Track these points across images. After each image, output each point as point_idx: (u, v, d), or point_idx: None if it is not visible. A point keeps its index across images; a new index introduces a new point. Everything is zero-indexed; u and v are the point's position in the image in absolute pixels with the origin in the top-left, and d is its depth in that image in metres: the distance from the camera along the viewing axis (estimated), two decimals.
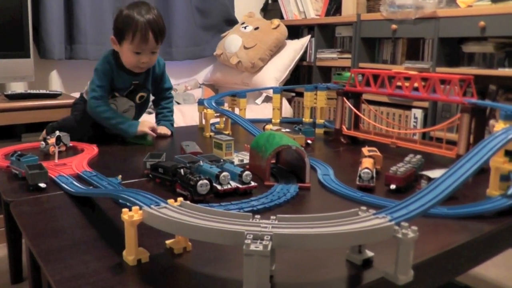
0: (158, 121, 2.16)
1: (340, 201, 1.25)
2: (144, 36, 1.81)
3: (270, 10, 4.09)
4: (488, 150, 1.06)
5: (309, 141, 1.90)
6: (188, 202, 0.87)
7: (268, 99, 3.45)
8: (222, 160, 1.43)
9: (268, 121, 2.33)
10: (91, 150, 1.71)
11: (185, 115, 3.00)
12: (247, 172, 1.29)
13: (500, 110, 1.35)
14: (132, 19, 1.82)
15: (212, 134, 2.02)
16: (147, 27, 1.81)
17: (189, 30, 3.74)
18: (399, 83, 1.79)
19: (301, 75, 3.94)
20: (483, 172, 1.44)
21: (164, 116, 2.18)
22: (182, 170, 1.24)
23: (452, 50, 2.83)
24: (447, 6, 2.74)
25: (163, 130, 2.08)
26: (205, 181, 1.18)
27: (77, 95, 2.84)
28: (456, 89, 1.63)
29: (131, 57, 1.86)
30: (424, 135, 2.82)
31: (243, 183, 1.28)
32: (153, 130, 1.96)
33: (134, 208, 0.85)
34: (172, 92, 2.24)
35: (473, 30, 2.54)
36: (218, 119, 2.19)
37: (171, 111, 2.22)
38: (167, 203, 0.87)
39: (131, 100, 2.04)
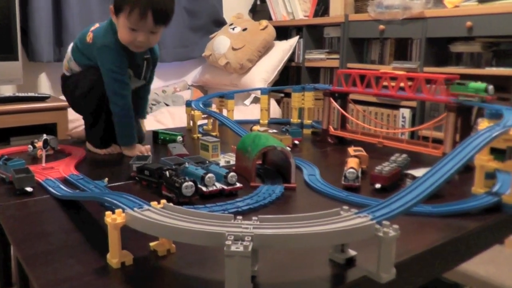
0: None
1: (325, 201, 1.25)
2: (142, 14, 1.57)
3: (259, 11, 4.10)
4: (471, 148, 1.07)
5: (296, 142, 1.90)
6: (171, 204, 0.87)
7: (256, 100, 3.45)
8: (207, 162, 1.43)
9: (256, 122, 2.34)
10: (79, 153, 1.70)
11: (174, 116, 3.00)
12: (232, 174, 1.29)
13: (485, 109, 1.37)
14: None
15: (199, 135, 2.02)
16: (148, 5, 1.56)
17: (177, 31, 3.74)
18: (385, 83, 1.80)
19: (289, 76, 3.94)
20: (468, 170, 1.45)
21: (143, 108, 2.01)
22: (167, 172, 1.24)
23: (439, 50, 2.85)
24: (434, 7, 2.76)
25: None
26: (190, 183, 1.18)
27: None
28: (442, 89, 1.64)
29: (126, 33, 1.62)
30: (412, 135, 2.83)
31: (228, 184, 1.28)
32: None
33: (117, 211, 0.85)
34: (161, 93, 2.20)
35: (460, 30, 2.56)
36: (206, 121, 2.19)
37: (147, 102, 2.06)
38: (150, 206, 0.87)
39: (141, 79, 1.85)
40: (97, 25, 1.76)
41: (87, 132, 1.84)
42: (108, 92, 1.69)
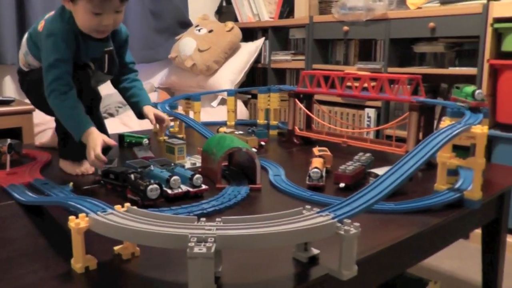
0: (134, 101, 1.75)
1: (290, 201, 1.26)
2: None
3: (224, 12, 4.10)
4: (432, 146, 1.09)
5: (262, 143, 1.91)
6: (134, 207, 0.87)
7: (224, 102, 3.45)
8: (173, 164, 1.43)
9: (223, 124, 2.34)
10: (44, 158, 1.68)
11: None
12: (197, 176, 1.29)
13: (447, 108, 1.40)
14: None
15: (166, 138, 2.02)
16: None
17: (143, 33, 3.72)
18: (349, 84, 1.82)
19: (256, 77, 3.95)
20: (431, 167, 1.48)
21: (139, 90, 1.76)
22: (132, 176, 1.24)
23: (403, 51, 2.89)
24: (397, 8, 2.80)
25: (153, 113, 1.70)
26: (155, 185, 1.18)
27: None
28: (405, 88, 1.67)
29: (89, 19, 1.42)
30: (377, 134, 2.87)
31: (194, 186, 1.28)
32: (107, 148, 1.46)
33: (81, 215, 0.85)
34: None
35: (423, 31, 2.60)
36: (172, 123, 2.18)
37: (143, 88, 1.81)
38: (113, 209, 0.87)
39: (106, 73, 1.63)
40: (52, 12, 1.56)
41: (59, 144, 1.63)
42: (46, 91, 1.45)
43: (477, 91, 1.43)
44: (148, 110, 1.71)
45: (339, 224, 0.80)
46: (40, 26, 1.53)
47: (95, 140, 1.37)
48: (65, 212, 1.15)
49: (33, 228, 1.09)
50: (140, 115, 1.74)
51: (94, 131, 1.41)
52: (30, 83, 1.65)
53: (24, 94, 1.79)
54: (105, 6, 1.40)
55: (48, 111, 1.61)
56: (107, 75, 1.65)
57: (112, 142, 1.41)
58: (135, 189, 1.21)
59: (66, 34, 1.45)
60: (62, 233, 1.05)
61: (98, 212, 0.85)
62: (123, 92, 1.77)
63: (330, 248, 0.89)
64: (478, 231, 1.59)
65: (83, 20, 1.43)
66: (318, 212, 0.84)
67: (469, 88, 1.47)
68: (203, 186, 1.30)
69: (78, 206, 0.91)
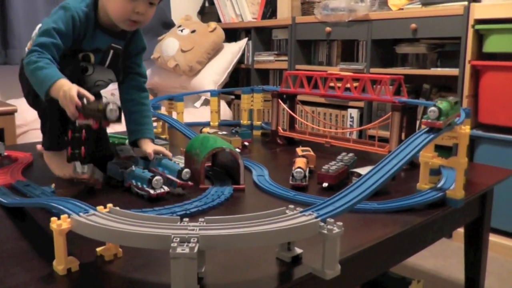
0: (134, 129, 1.54)
1: (273, 201, 1.26)
2: None
3: (207, 13, 4.09)
4: (414, 146, 1.10)
5: (246, 143, 1.91)
6: (117, 208, 0.86)
7: (207, 102, 3.45)
8: (161, 155, 1.42)
9: (207, 124, 2.33)
10: (25, 159, 1.66)
11: (123, 120, 2.96)
12: (186, 170, 1.30)
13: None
14: None
15: None
16: None
17: None
18: (332, 84, 1.83)
19: (239, 78, 3.95)
20: (414, 167, 1.49)
21: (145, 118, 1.56)
22: (84, 99, 1.18)
23: (385, 51, 2.91)
24: (379, 9, 2.82)
25: (154, 150, 1.46)
26: (115, 105, 1.14)
27: (14, 102, 2.75)
28: (387, 89, 1.68)
29: (123, 4, 1.34)
30: (360, 134, 2.88)
31: (181, 179, 1.29)
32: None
33: (63, 216, 0.84)
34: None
35: (405, 32, 2.62)
36: (155, 124, 2.17)
37: (149, 115, 1.59)
38: (96, 210, 0.86)
39: (106, 67, 1.51)
40: None
41: (46, 139, 1.50)
42: (28, 52, 1.31)
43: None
44: (147, 145, 1.49)
45: (322, 224, 0.80)
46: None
47: (70, 88, 1.20)
48: (46, 214, 1.14)
49: (15, 230, 1.07)
50: (134, 143, 1.54)
51: (66, 82, 1.23)
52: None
53: (6, 95, 1.73)
54: None
55: (37, 105, 1.49)
56: (106, 71, 1.51)
57: (90, 96, 1.20)
58: (90, 112, 1.16)
59: (80, 15, 1.36)
60: (44, 235, 1.04)
61: (80, 213, 0.84)
62: (125, 108, 1.56)
63: (313, 247, 0.89)
64: (460, 230, 1.61)
65: (116, 5, 1.35)
66: (301, 212, 0.84)
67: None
68: (190, 183, 1.30)
69: (60, 207, 0.90)
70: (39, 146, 1.80)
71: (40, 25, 1.46)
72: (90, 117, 1.17)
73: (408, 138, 1.14)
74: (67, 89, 1.19)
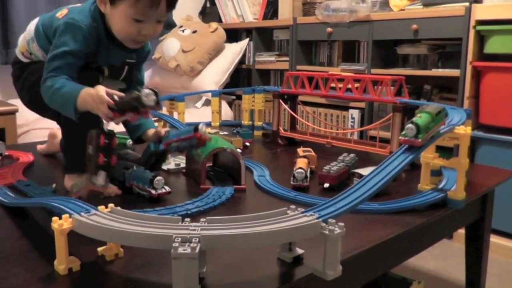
0: (136, 126, 1.51)
1: (275, 201, 1.26)
2: (155, 0, 1.24)
3: (208, 13, 4.09)
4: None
5: (247, 143, 1.91)
6: (118, 208, 0.86)
7: (208, 103, 3.45)
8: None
9: (208, 125, 2.33)
10: (26, 159, 1.66)
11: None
12: (158, 178, 1.25)
13: None
14: None
15: None
16: None
17: None
18: (333, 85, 1.83)
19: (240, 78, 3.95)
20: (415, 168, 1.49)
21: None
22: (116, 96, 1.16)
23: (387, 52, 2.91)
24: (381, 10, 2.81)
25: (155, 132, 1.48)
26: (148, 90, 1.11)
27: (14, 101, 2.73)
28: (388, 90, 1.68)
29: (128, 26, 1.27)
30: (361, 135, 2.88)
31: (154, 188, 1.25)
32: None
33: (64, 216, 0.84)
34: None
35: (406, 33, 2.62)
36: (156, 124, 2.17)
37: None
38: (97, 210, 0.86)
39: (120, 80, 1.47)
40: (78, 4, 1.38)
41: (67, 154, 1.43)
42: (43, 76, 1.27)
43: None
44: (151, 131, 1.50)
45: (323, 224, 0.80)
46: (60, 14, 1.36)
47: (97, 90, 1.15)
48: (47, 213, 1.14)
49: (15, 230, 1.08)
50: (139, 139, 1.53)
51: (89, 88, 1.18)
52: (27, 81, 1.46)
53: (7, 95, 1.72)
54: (149, 13, 1.25)
55: (42, 111, 1.48)
56: (118, 82, 1.46)
57: (118, 92, 1.18)
58: (126, 105, 1.12)
59: (90, 31, 1.29)
60: (44, 235, 1.04)
61: (82, 213, 0.84)
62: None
63: (314, 248, 0.89)
64: (461, 231, 1.61)
65: (120, 26, 1.29)
66: (302, 212, 0.84)
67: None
68: (164, 190, 1.26)
69: (62, 207, 0.90)
70: (39, 146, 1.80)
71: (37, 19, 1.44)
72: (126, 111, 1.13)
73: None
74: (94, 92, 1.16)
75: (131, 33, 1.28)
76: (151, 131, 1.49)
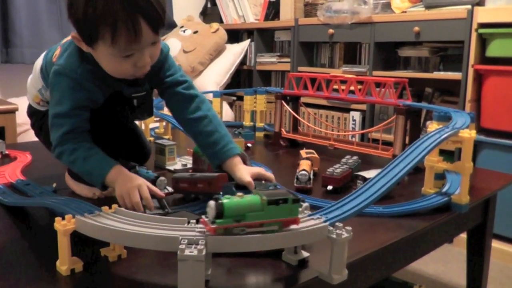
0: (213, 153, 1.22)
1: None
2: (134, 31, 1.02)
3: (209, 14, 4.08)
4: (421, 150, 1.10)
5: (249, 145, 1.90)
6: (122, 208, 0.85)
7: None
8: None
9: None
10: (24, 158, 1.65)
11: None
12: (161, 178, 1.19)
13: (434, 112, 1.40)
14: (105, 6, 0.99)
15: (152, 139, 2.00)
16: (135, 14, 1.01)
17: None
18: (335, 86, 1.82)
19: (241, 79, 3.95)
20: (419, 171, 1.48)
21: (214, 134, 1.23)
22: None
23: (388, 54, 2.91)
24: (382, 12, 2.81)
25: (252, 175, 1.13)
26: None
27: (14, 100, 2.74)
28: (391, 92, 1.67)
29: (117, 64, 1.09)
30: (362, 137, 2.88)
31: None
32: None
33: (67, 216, 0.83)
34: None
35: (408, 35, 2.62)
36: (157, 124, 2.16)
37: (220, 122, 1.28)
38: (101, 211, 0.85)
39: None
40: (69, 37, 1.16)
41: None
42: (54, 150, 1.17)
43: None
44: (240, 170, 1.15)
45: (331, 228, 0.79)
46: (55, 56, 1.22)
47: (131, 190, 1.04)
48: (48, 213, 1.13)
49: (16, 230, 1.07)
50: (220, 168, 1.21)
51: (122, 172, 1.10)
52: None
53: (7, 93, 1.70)
54: (134, 46, 1.05)
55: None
56: (146, 116, 1.36)
57: (158, 192, 1.09)
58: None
59: (86, 77, 1.14)
60: (46, 235, 1.03)
61: (85, 214, 0.83)
62: (187, 132, 1.33)
63: (319, 250, 0.89)
64: (462, 235, 1.60)
65: (110, 66, 1.11)
66: (309, 215, 0.83)
67: None
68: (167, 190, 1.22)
69: (65, 207, 0.90)
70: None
71: (39, 64, 1.30)
72: None
73: (414, 141, 1.13)
74: (130, 188, 1.05)
75: (126, 70, 1.10)
76: (234, 164, 1.18)
